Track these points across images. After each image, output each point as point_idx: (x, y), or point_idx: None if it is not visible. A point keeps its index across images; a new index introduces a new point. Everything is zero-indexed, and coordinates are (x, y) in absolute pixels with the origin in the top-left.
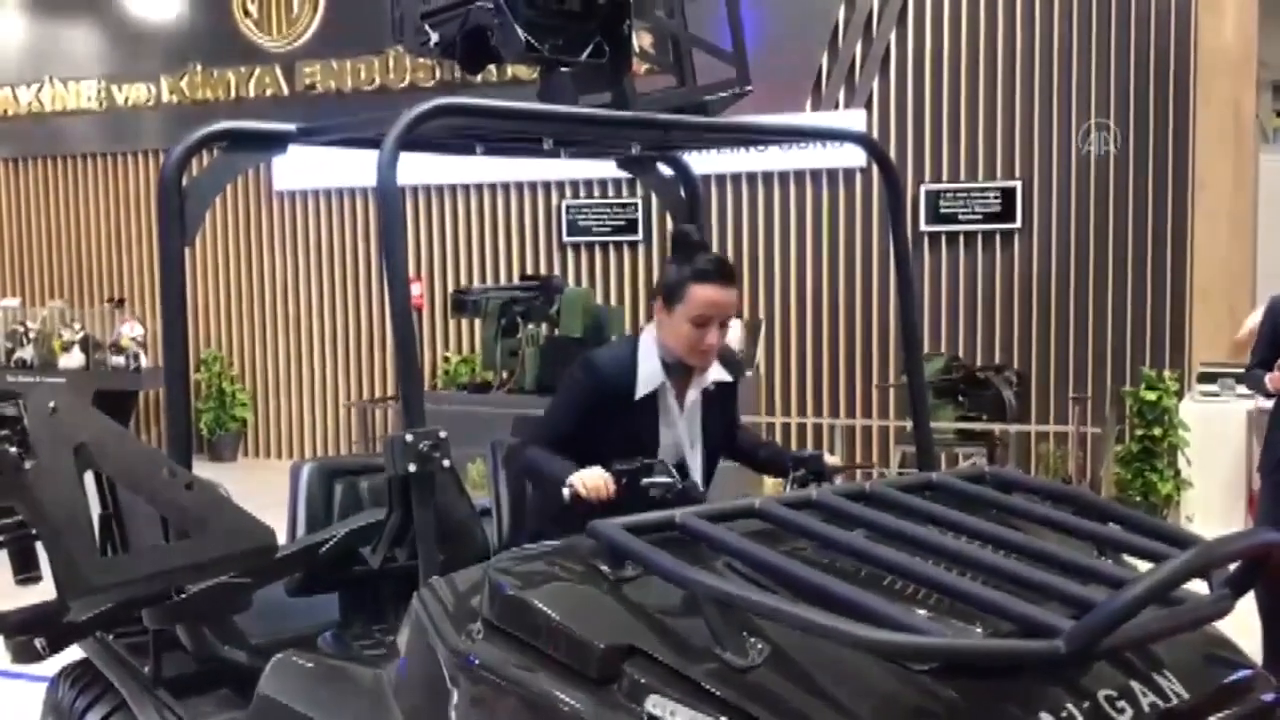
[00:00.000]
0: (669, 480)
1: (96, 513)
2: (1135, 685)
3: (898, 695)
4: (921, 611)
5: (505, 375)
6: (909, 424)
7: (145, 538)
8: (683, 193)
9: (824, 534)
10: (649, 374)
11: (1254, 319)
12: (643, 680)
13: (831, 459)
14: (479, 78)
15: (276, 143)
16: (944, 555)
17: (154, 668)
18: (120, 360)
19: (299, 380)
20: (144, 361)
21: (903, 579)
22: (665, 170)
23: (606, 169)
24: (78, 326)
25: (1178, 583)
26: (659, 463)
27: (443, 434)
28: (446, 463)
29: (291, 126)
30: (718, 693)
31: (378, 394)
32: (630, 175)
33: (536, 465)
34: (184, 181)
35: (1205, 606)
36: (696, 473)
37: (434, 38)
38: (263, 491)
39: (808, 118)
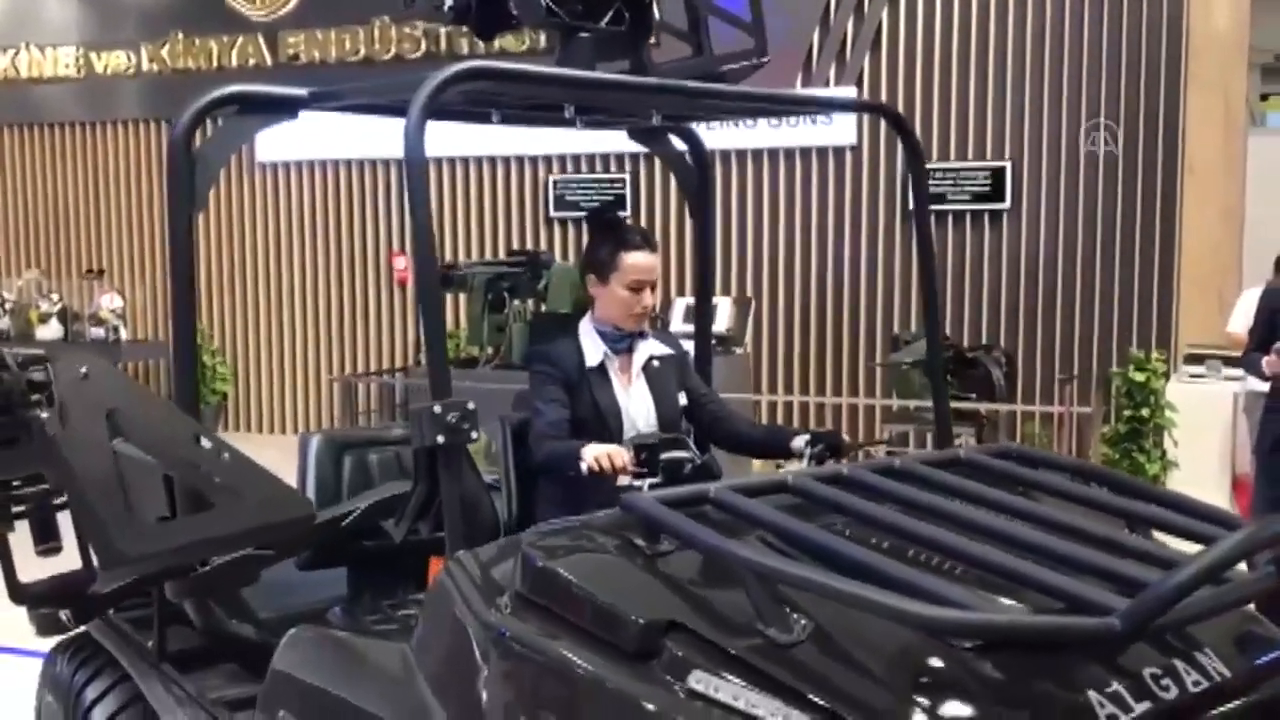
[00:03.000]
0: (688, 455)
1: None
2: (1179, 664)
3: (943, 671)
4: (963, 587)
5: (492, 351)
6: (894, 403)
7: (147, 508)
8: (692, 164)
9: (860, 509)
10: (592, 346)
11: (1247, 300)
12: (684, 655)
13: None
14: (465, 48)
15: (287, 108)
16: (983, 531)
17: (158, 642)
18: (99, 332)
19: (280, 354)
20: (123, 334)
21: (943, 555)
22: (677, 144)
23: (595, 144)
24: (55, 298)
25: (1232, 563)
26: (678, 437)
27: (470, 405)
28: (476, 434)
29: (304, 91)
30: (762, 668)
31: (360, 368)
32: (644, 147)
33: (554, 455)
34: (193, 147)
35: (1250, 584)
36: None
37: (449, 1)
38: None
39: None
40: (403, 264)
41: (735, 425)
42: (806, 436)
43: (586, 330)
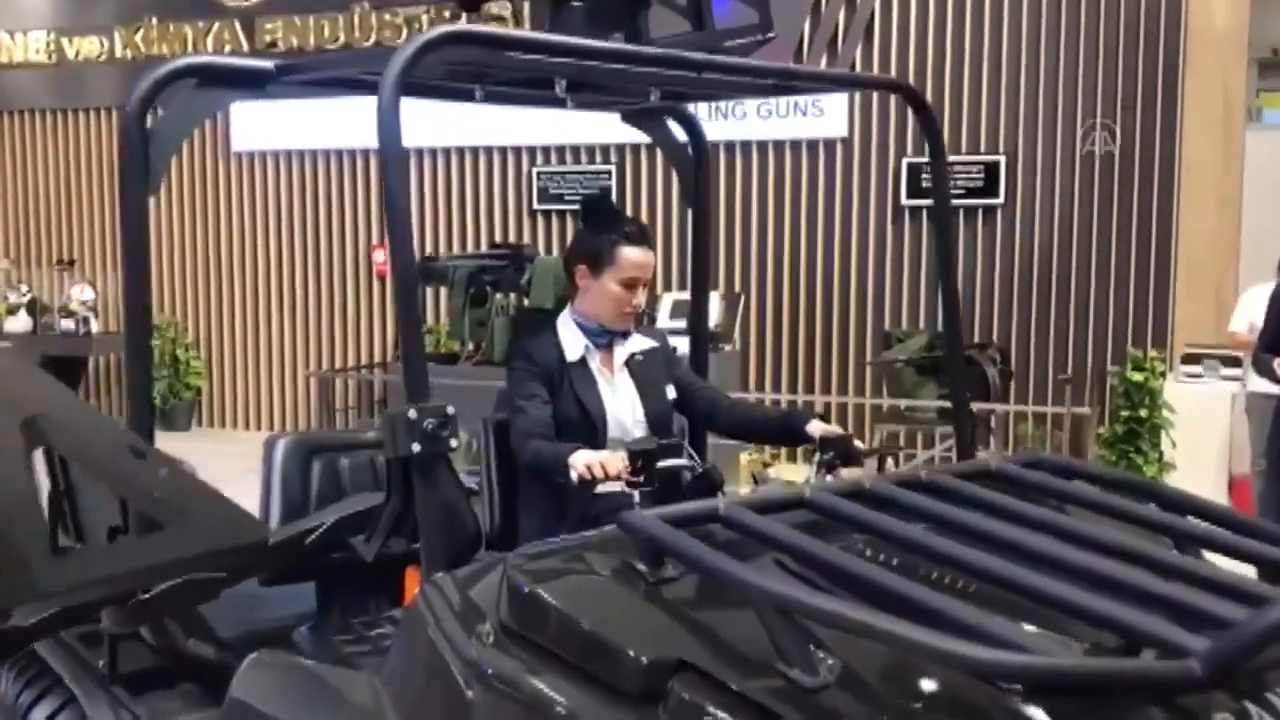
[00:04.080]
0: (688, 462)
1: (46, 491)
2: (1251, 708)
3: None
4: (1009, 620)
5: (473, 346)
6: (885, 402)
7: (100, 520)
8: (690, 151)
9: (887, 528)
10: (571, 340)
11: (1248, 299)
12: (693, 699)
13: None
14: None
15: (253, 82)
16: (1024, 553)
17: (109, 662)
18: (70, 324)
19: (256, 348)
20: (94, 326)
21: (983, 581)
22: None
23: (580, 134)
24: (25, 289)
25: None
26: (677, 443)
27: (450, 410)
28: (455, 442)
29: (270, 64)
30: (784, 715)
31: (338, 364)
32: (638, 130)
33: (540, 457)
34: (148, 124)
35: None
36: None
37: None
38: (218, 462)
39: None
40: (382, 257)
41: (738, 410)
42: (821, 428)
43: (565, 323)
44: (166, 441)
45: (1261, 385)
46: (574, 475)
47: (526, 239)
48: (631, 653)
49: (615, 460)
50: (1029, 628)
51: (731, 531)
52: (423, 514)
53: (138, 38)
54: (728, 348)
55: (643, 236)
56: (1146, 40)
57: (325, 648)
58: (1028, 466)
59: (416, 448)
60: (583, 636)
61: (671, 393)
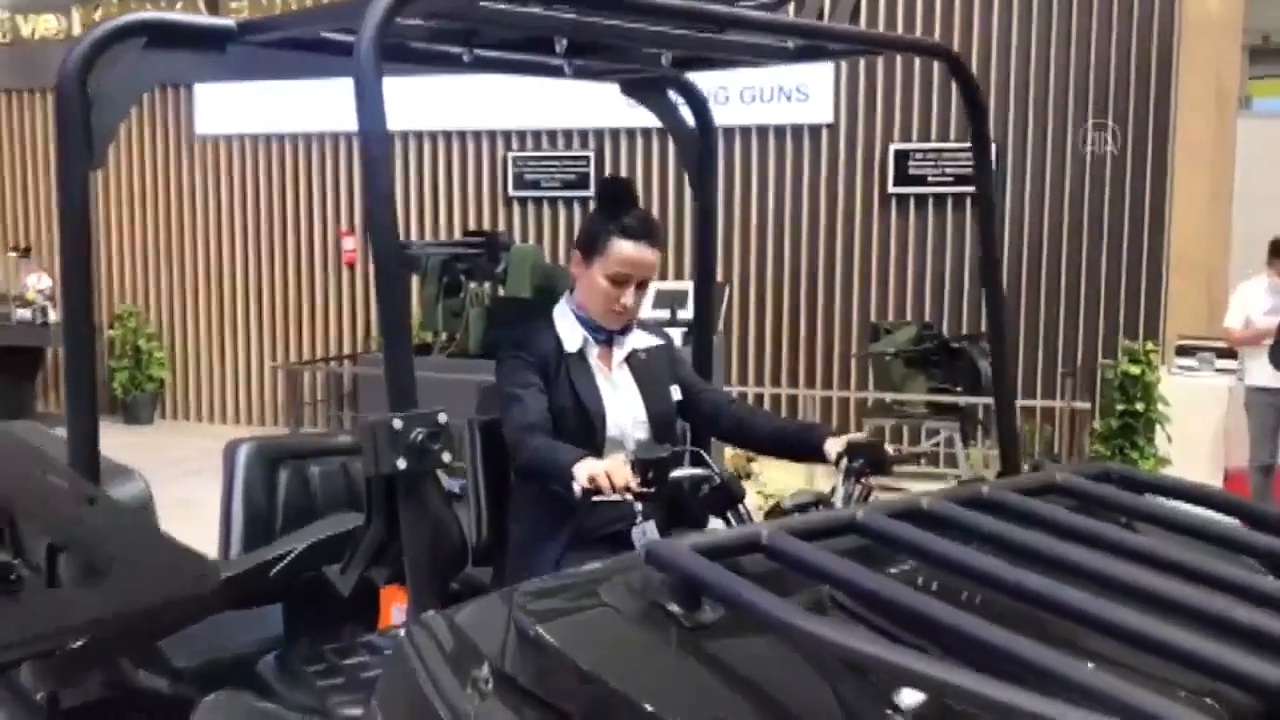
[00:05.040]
0: (704, 472)
1: None
2: None
3: None
4: (1133, 685)
5: (447, 337)
6: (871, 395)
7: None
8: (694, 128)
9: (956, 559)
10: (569, 330)
11: (1242, 293)
12: None
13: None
14: None
15: (210, 41)
16: (1117, 587)
17: (49, 696)
18: (26, 314)
19: (221, 339)
20: (52, 315)
21: (1083, 625)
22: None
23: (558, 119)
24: None
25: None
26: (691, 450)
27: (442, 418)
28: (448, 457)
29: (231, 21)
30: None
31: (306, 355)
32: (637, 102)
33: (540, 459)
34: (89, 87)
35: None
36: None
37: None
38: (181, 458)
39: (772, 71)
40: (351, 244)
41: (749, 417)
42: (843, 443)
43: (563, 313)
44: (128, 435)
45: (1261, 379)
46: (576, 489)
47: (502, 226)
48: (666, 717)
49: (623, 471)
50: (1158, 696)
51: (774, 561)
52: (409, 540)
53: (96, 15)
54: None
55: (644, 231)
56: (1140, 28)
57: (294, 681)
58: (1095, 479)
59: (402, 464)
60: (603, 695)
61: (677, 394)
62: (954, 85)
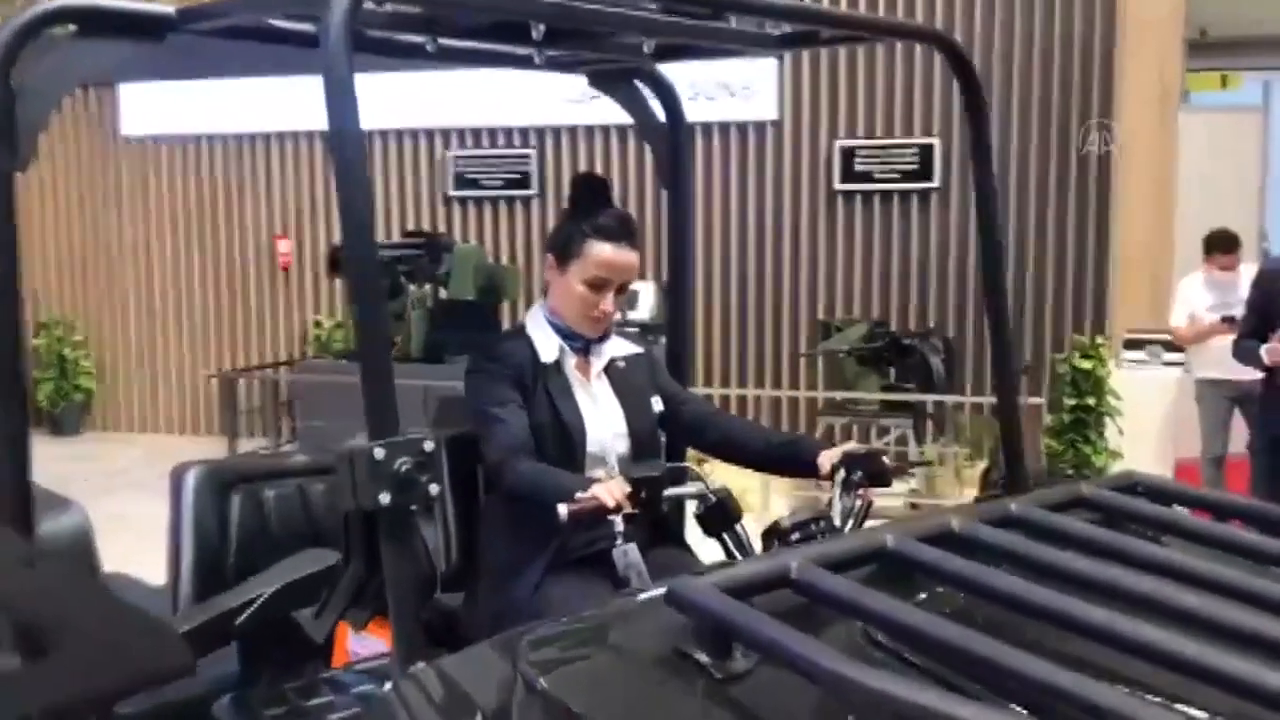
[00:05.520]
0: (699, 489)
1: None
2: None
3: None
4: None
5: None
6: (821, 394)
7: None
8: (665, 121)
9: (1003, 589)
10: (545, 340)
11: (1184, 290)
12: None
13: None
14: None
15: (146, 30)
16: (1167, 612)
17: None
18: None
19: (151, 347)
20: None
21: (1139, 656)
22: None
23: (499, 117)
24: None
25: None
26: (683, 467)
27: (429, 445)
28: (436, 489)
29: (169, 9)
30: None
31: (241, 363)
32: (606, 95)
33: (535, 487)
34: (13, 80)
35: None
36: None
37: None
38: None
39: (715, 66)
40: (285, 248)
41: (735, 430)
42: (838, 455)
43: (537, 321)
44: (56, 447)
45: (1210, 372)
46: (562, 512)
47: (441, 227)
48: None
49: (623, 488)
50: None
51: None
52: (394, 582)
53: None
54: (663, 340)
55: (622, 232)
56: (1083, 23)
57: None
58: (1121, 491)
59: (386, 498)
60: None
61: (658, 405)
62: (881, 67)
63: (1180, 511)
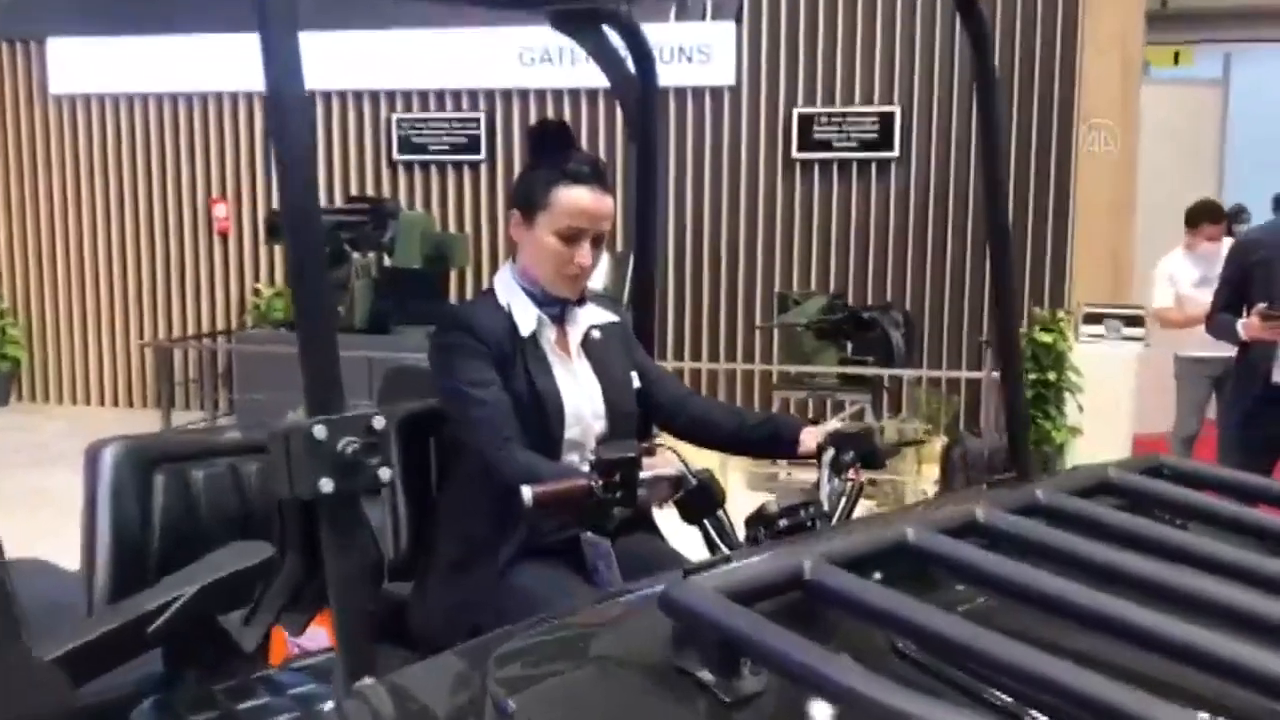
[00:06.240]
0: (678, 471)
1: None
2: None
3: None
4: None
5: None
6: (776, 368)
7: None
8: (634, 71)
9: (1050, 592)
10: (521, 309)
11: (1164, 268)
12: None
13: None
14: None
15: None
16: (1216, 611)
17: None
18: None
19: (82, 314)
20: None
21: (1190, 662)
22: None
23: (445, 79)
24: None
25: None
26: (658, 446)
27: (379, 422)
28: (387, 474)
29: None
30: None
31: (177, 332)
32: (571, 40)
33: (532, 475)
34: None
35: None
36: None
37: None
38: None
39: (671, 29)
40: (223, 212)
41: (709, 412)
42: (823, 434)
43: (509, 287)
44: None
45: (1195, 350)
46: (526, 495)
47: (386, 192)
48: None
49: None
50: None
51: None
52: (337, 583)
53: None
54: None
55: (594, 174)
56: None
57: None
58: (1146, 474)
59: (328, 485)
60: None
61: (636, 381)
62: (841, 33)
63: (1209, 497)
